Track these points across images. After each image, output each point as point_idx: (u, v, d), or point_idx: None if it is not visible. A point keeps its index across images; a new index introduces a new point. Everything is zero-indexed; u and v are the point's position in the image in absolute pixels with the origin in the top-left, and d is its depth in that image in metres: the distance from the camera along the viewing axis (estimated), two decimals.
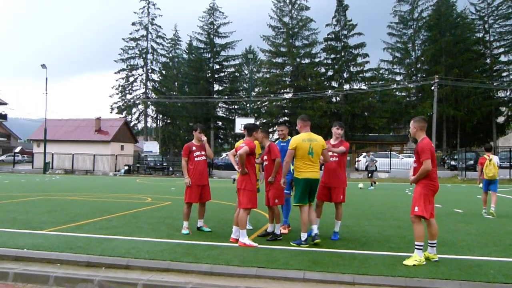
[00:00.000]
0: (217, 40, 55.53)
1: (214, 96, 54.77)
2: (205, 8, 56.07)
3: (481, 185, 10.49)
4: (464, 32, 46.11)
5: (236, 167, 6.54)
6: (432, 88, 38.59)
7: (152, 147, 44.83)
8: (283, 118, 47.64)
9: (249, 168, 6.28)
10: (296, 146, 6.12)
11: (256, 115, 49.19)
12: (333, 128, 6.93)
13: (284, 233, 7.04)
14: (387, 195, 16.51)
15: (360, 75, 46.28)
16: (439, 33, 45.45)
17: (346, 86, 46.22)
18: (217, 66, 56.35)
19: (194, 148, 7.16)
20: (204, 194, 7.18)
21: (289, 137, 7.39)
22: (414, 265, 5.02)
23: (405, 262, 5.11)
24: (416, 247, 5.20)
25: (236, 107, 57.79)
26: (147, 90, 59.43)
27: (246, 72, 62.13)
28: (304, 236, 6.08)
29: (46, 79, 41.30)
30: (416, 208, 5.27)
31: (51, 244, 5.96)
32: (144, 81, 59.12)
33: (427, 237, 5.39)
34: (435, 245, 5.38)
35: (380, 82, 46.50)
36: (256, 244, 6.02)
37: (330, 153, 6.77)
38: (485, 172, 10.16)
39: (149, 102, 58.73)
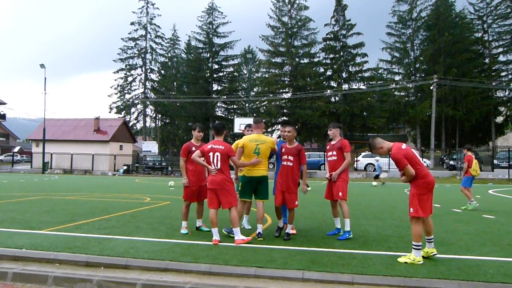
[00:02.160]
0: (216, 40, 55.54)
1: (213, 96, 54.76)
2: (204, 8, 56.26)
3: (458, 177, 11.31)
4: (463, 32, 46.15)
5: (208, 167, 6.32)
6: (431, 88, 38.61)
7: (151, 146, 44.80)
8: (282, 118, 47.66)
9: (227, 168, 6.42)
10: (243, 144, 6.63)
11: (255, 115, 49.18)
12: None
13: (292, 233, 7.06)
14: (386, 194, 16.53)
15: (359, 75, 46.28)
16: (437, 33, 45.48)
17: (345, 86, 46.23)
18: (216, 66, 56.33)
19: (193, 148, 7.08)
20: (203, 194, 7.16)
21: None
22: (405, 262, 5.10)
23: (398, 259, 5.23)
24: (414, 247, 5.22)
25: (235, 107, 57.77)
26: (146, 90, 59.40)
27: (245, 72, 62.08)
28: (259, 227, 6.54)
29: (45, 78, 41.30)
30: (411, 210, 5.32)
31: (50, 244, 5.96)
32: (143, 81, 59.09)
33: (424, 234, 5.43)
34: (432, 240, 5.43)
35: (379, 82, 46.50)
36: (249, 238, 6.23)
37: (330, 153, 6.96)
38: (475, 170, 11.22)
39: (148, 102, 58.70)
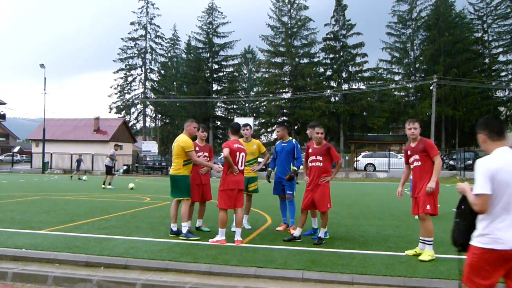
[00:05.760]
0: (216, 40, 55.51)
1: (213, 96, 54.74)
2: (204, 8, 56.17)
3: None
4: (463, 32, 46.17)
5: (234, 167, 6.24)
6: (431, 88, 38.61)
7: (150, 146, 44.77)
8: (282, 118, 47.66)
9: None
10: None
11: (254, 115, 49.20)
12: None
13: (279, 229, 7.36)
14: (386, 194, 16.51)
15: (359, 74, 46.31)
16: (437, 33, 45.50)
17: (345, 86, 46.25)
18: (216, 66, 56.30)
19: (197, 148, 7.06)
20: (206, 194, 7.19)
21: (290, 138, 7.40)
22: (430, 260, 5.20)
23: (421, 258, 5.26)
24: (428, 243, 5.37)
25: (235, 107, 57.74)
26: (146, 90, 59.36)
27: (245, 72, 62.08)
28: (174, 227, 6.83)
29: (45, 78, 41.25)
30: (427, 207, 5.33)
31: (49, 244, 5.96)
32: (142, 81, 59.06)
33: (420, 233, 5.56)
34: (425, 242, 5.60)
35: (378, 82, 46.54)
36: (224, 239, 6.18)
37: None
38: None
39: (147, 102, 58.67)
